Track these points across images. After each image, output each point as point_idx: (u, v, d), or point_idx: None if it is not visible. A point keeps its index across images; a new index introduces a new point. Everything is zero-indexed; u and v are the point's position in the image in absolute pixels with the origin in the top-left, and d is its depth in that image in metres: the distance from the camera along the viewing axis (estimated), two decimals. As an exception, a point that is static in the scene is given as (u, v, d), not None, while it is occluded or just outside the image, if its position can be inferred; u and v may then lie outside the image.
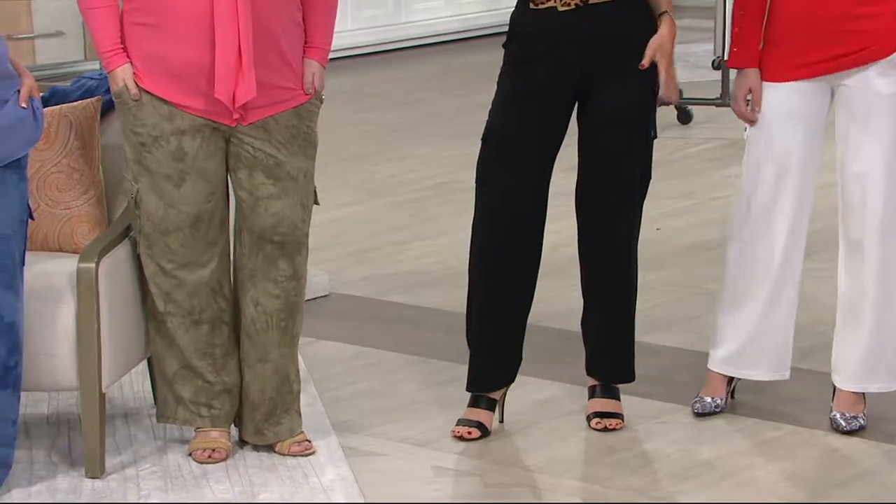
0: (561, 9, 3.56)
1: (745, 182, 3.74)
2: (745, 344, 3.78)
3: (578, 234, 3.73)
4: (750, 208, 3.72)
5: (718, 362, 3.83)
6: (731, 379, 3.85)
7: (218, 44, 3.33)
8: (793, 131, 3.66)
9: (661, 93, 3.61)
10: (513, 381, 3.76)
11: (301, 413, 3.63)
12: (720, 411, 3.82)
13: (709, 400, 3.83)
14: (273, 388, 3.58)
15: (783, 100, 3.65)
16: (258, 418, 3.59)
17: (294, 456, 3.57)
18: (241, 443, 3.63)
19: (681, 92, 6.97)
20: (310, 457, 3.56)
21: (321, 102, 3.54)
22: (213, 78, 3.36)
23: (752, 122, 3.70)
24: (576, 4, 3.55)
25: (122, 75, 3.40)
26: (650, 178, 3.72)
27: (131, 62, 3.41)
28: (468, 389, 3.74)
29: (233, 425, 3.63)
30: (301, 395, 3.67)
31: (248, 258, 3.52)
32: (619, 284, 3.73)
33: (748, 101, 3.69)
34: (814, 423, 3.76)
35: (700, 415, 3.81)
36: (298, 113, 3.48)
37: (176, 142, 3.41)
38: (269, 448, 3.61)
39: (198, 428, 3.59)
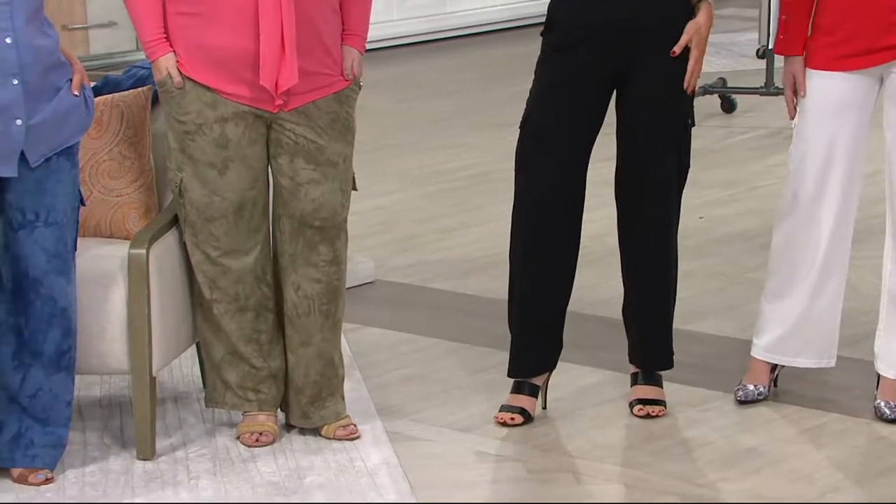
0: None
1: (792, 171, 3.74)
2: (791, 331, 3.79)
3: (618, 223, 3.75)
4: (797, 197, 3.72)
5: (762, 349, 3.85)
6: (774, 367, 3.87)
7: (262, 32, 3.38)
8: (841, 120, 3.66)
9: (685, 78, 3.62)
10: (553, 368, 3.79)
11: (345, 397, 3.68)
12: (763, 399, 3.84)
13: (751, 387, 3.85)
14: (317, 372, 3.62)
15: (832, 88, 3.65)
16: (304, 402, 3.64)
17: (340, 440, 3.63)
18: (288, 427, 3.69)
19: (724, 81, 7.00)
20: (355, 441, 3.61)
21: (359, 88, 3.59)
22: (256, 65, 3.41)
23: (792, 115, 3.71)
24: None
25: (166, 64, 3.45)
26: (689, 166, 3.73)
27: (174, 51, 3.46)
28: (509, 375, 3.78)
29: (280, 409, 3.69)
30: (346, 380, 3.72)
31: (289, 244, 3.57)
32: (657, 273, 3.74)
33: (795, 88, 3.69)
34: (858, 412, 3.77)
35: (743, 402, 3.83)
36: (338, 99, 3.53)
37: (219, 129, 3.46)
38: (316, 432, 3.66)
39: (245, 412, 3.65)
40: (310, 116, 3.50)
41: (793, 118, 3.73)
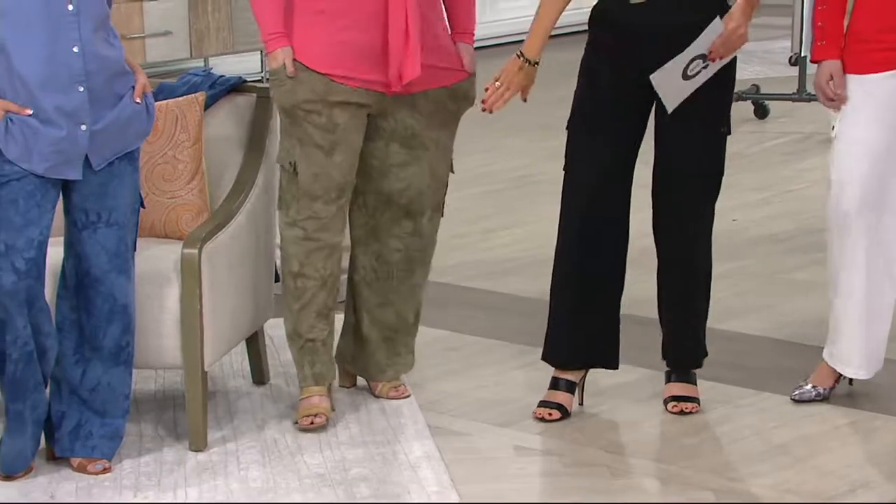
0: (633, 1, 3.65)
1: (836, 176, 3.72)
2: (854, 340, 3.77)
3: (653, 225, 3.81)
4: (840, 202, 3.71)
5: (828, 355, 3.85)
6: (839, 374, 3.85)
7: (391, 27, 3.56)
8: (882, 122, 3.69)
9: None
10: (594, 366, 3.85)
11: (414, 351, 3.93)
12: (820, 400, 3.85)
13: (809, 387, 3.86)
14: (392, 329, 3.85)
15: (872, 92, 3.69)
16: (381, 357, 3.86)
17: (391, 399, 3.84)
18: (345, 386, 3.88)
19: (757, 87, 7.07)
20: (398, 434, 3.71)
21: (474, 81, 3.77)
22: (378, 58, 3.59)
23: (836, 102, 3.69)
24: None
25: (283, 55, 3.62)
26: (723, 173, 3.78)
27: (292, 45, 3.61)
28: (543, 358, 3.83)
29: (339, 380, 3.88)
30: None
31: (371, 217, 3.77)
32: (691, 274, 3.80)
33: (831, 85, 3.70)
34: (889, 409, 3.81)
35: (798, 401, 3.84)
36: (453, 93, 3.72)
37: (327, 114, 3.63)
38: (361, 426, 3.76)
39: (301, 398, 3.76)
40: (414, 105, 3.68)
41: (838, 104, 3.69)
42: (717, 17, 3.61)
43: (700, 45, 3.60)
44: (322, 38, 3.61)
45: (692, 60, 3.61)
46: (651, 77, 3.62)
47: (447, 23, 3.75)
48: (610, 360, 3.86)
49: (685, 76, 3.62)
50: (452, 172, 3.82)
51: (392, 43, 3.58)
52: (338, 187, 3.67)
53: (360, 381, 4.00)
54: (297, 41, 3.62)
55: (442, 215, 3.84)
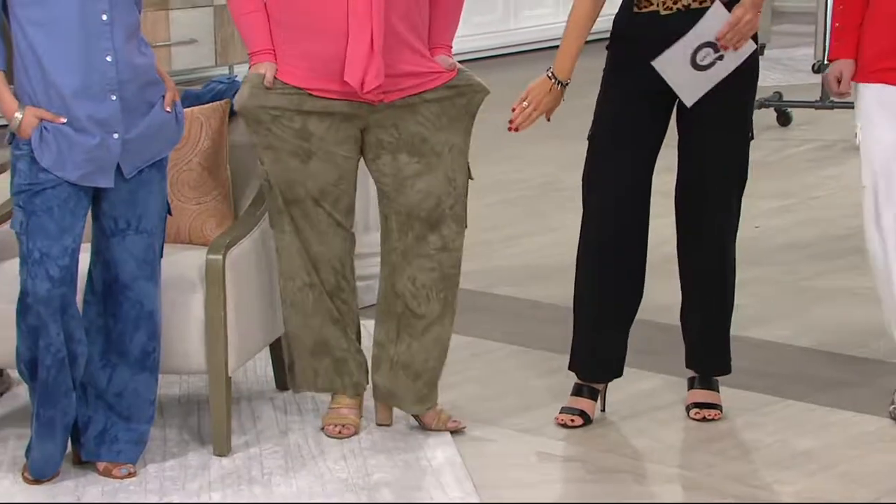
0: (663, 13, 3.67)
1: (866, 181, 3.73)
2: None
3: (677, 232, 3.82)
4: (869, 203, 3.73)
5: None
6: None
7: (351, 35, 3.52)
8: None
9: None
10: (619, 375, 3.86)
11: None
12: None
13: None
14: (435, 358, 3.74)
15: (885, 100, 3.70)
16: (420, 386, 3.73)
17: (451, 430, 3.73)
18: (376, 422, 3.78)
19: (780, 95, 7.07)
20: (420, 440, 3.71)
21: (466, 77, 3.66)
22: (342, 66, 3.53)
23: (840, 94, 3.75)
24: (677, 9, 3.67)
25: (265, 68, 3.60)
26: (747, 178, 3.80)
27: (276, 60, 3.60)
28: (570, 368, 3.85)
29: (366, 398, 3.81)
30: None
31: (399, 240, 3.67)
32: (715, 281, 3.81)
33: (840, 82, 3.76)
34: (911, 418, 3.82)
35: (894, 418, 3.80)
36: (456, 88, 3.62)
37: (300, 121, 3.60)
38: (384, 431, 3.77)
39: (331, 407, 3.77)
40: (414, 110, 3.61)
41: (841, 95, 3.75)
42: (717, 2, 3.60)
43: (703, 29, 3.58)
44: (285, 51, 3.58)
45: (699, 48, 3.59)
46: (653, 63, 3.60)
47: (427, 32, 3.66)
48: (620, 370, 3.88)
49: (696, 66, 3.61)
50: (472, 178, 3.70)
51: (354, 50, 3.52)
52: (315, 195, 3.62)
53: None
54: (277, 56, 3.59)
55: (465, 226, 3.72)
